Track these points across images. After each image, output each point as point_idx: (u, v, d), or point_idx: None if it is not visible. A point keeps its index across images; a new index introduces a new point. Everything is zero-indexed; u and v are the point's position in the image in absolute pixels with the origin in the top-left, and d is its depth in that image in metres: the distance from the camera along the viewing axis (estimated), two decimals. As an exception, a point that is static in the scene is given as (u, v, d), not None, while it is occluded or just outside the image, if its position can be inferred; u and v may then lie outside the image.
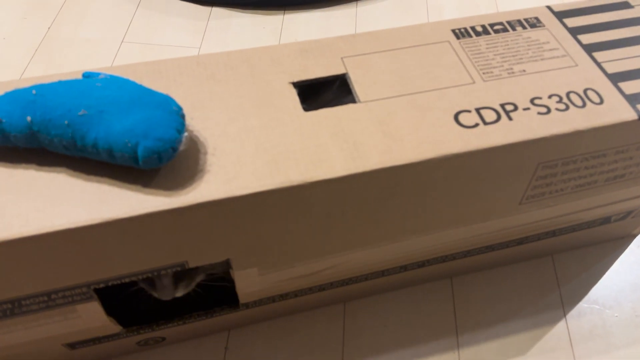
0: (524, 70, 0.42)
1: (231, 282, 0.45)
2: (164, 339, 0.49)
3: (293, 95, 0.40)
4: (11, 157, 0.35)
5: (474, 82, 0.41)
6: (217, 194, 0.34)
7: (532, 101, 0.40)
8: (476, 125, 0.39)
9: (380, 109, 0.39)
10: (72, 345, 0.44)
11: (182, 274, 0.42)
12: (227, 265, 0.41)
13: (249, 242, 0.38)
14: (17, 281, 0.34)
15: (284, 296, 0.48)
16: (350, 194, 0.37)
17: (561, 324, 0.55)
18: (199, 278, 0.43)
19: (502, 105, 0.40)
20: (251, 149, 0.36)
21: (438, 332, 0.55)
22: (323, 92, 0.42)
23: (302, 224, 0.38)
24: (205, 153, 0.36)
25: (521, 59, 0.43)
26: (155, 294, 0.42)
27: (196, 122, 0.38)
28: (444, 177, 0.39)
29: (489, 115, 0.39)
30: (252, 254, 0.40)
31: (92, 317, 0.40)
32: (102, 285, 0.37)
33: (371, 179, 0.36)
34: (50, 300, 0.37)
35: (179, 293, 0.42)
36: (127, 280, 0.38)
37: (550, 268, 0.59)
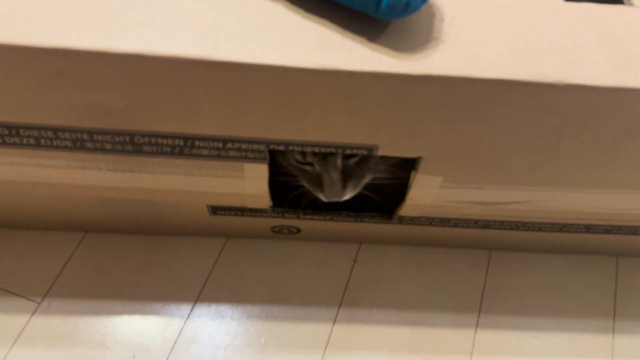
0: None
1: (390, 192, 0.40)
2: (299, 230, 0.45)
3: (551, -21, 0.32)
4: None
5: None
6: (453, 70, 0.28)
7: None
8: None
9: (661, 19, 0.31)
10: (214, 209, 0.41)
11: (350, 173, 0.37)
12: (410, 166, 0.35)
13: (452, 143, 0.32)
14: (197, 113, 0.30)
15: (444, 221, 0.42)
16: (603, 112, 0.30)
17: None
18: (367, 179, 0.38)
19: None
20: (497, 29, 0.30)
21: (593, 309, 0.47)
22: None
23: (524, 135, 0.32)
24: (442, 20, 0.30)
25: None
26: (322, 196, 0.37)
27: (433, -16, 0.31)
28: None
29: None
30: (447, 159, 0.34)
31: (253, 182, 0.36)
32: (280, 148, 0.32)
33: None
34: (224, 149, 0.33)
35: (348, 195, 0.37)
36: (307, 149, 0.33)
37: None
